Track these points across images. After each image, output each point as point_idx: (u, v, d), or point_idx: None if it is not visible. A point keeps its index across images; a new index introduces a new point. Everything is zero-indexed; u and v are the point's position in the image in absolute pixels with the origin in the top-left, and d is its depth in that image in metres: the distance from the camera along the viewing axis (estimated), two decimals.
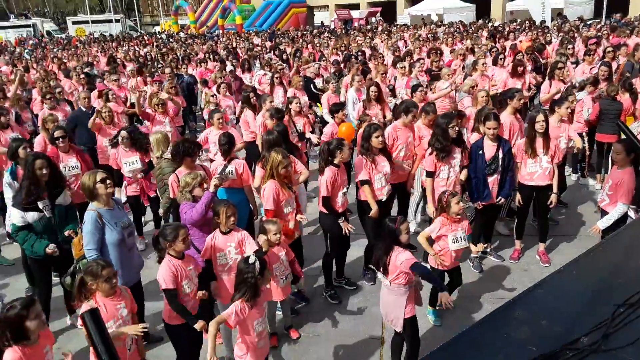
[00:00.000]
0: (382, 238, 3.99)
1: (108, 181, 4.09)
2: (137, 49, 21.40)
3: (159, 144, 5.88)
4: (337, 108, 6.92)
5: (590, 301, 1.97)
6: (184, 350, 3.90)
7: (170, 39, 28.80)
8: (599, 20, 18.08)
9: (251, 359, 3.54)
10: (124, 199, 6.37)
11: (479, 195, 5.38)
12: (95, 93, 9.46)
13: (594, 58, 9.71)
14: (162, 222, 5.01)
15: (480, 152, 5.30)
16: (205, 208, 4.28)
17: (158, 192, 5.88)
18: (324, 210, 5.01)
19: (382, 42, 17.39)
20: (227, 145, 5.40)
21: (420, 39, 16.40)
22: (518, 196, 5.50)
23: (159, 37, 32.47)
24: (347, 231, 4.88)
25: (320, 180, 5.01)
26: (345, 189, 5.01)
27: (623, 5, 23.48)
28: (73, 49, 24.47)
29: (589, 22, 18.96)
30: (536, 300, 2.01)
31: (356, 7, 36.56)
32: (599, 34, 14.64)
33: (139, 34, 39.70)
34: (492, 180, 5.34)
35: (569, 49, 11.09)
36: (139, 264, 4.44)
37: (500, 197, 5.39)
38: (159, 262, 3.82)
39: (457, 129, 5.30)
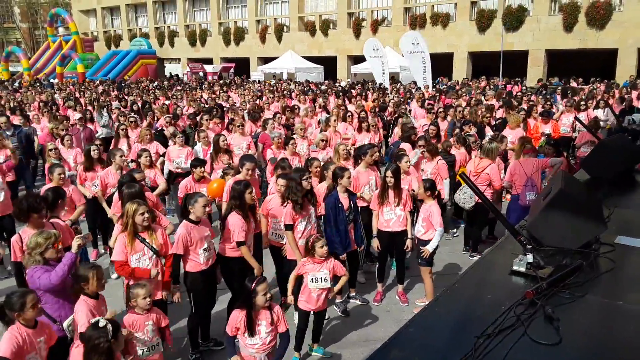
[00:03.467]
0: (239, 298, 4.02)
1: None
2: None
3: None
4: (197, 164, 6.78)
5: (454, 335, 2.18)
6: None
7: None
8: (427, 84, 20.58)
9: None
10: None
11: (344, 246, 5.53)
12: None
13: (432, 116, 11.07)
14: None
15: (340, 204, 5.54)
16: (68, 271, 3.87)
17: None
18: (192, 270, 4.77)
19: (239, 96, 17.77)
20: (53, 201, 5.02)
21: (275, 95, 17.09)
22: (376, 242, 5.88)
23: None
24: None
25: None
26: (206, 245, 4.78)
27: (447, 70, 27.21)
28: None
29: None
30: (408, 339, 2.15)
31: (209, 61, 36.94)
32: (435, 95, 16.73)
33: None
34: (349, 228, 5.66)
35: (408, 110, 12.52)
36: None
37: (360, 244, 5.75)
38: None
39: (310, 181, 5.51)
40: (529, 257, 2.52)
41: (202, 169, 6.77)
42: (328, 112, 12.71)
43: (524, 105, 12.94)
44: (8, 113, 12.07)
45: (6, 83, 28.99)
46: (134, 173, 6.00)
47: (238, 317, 3.87)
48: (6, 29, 59.88)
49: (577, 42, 23.61)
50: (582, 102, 12.41)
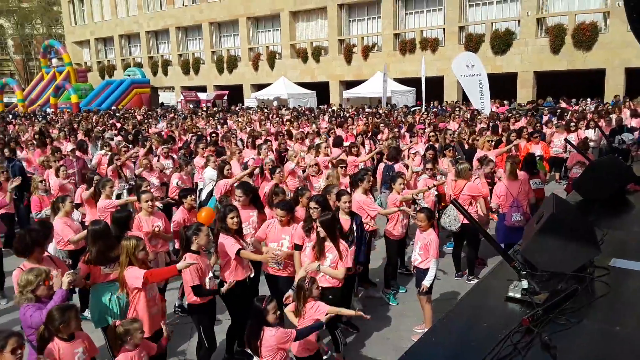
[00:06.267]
0: (250, 318, 3.97)
1: None
2: None
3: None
4: (186, 193, 6.70)
5: None
6: None
7: None
8: (419, 108, 20.80)
9: None
10: None
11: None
12: None
13: (418, 140, 11.18)
14: None
15: (338, 225, 5.55)
16: None
17: None
18: (197, 301, 4.74)
19: (233, 122, 17.88)
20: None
21: (270, 121, 17.21)
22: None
23: None
24: None
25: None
26: (211, 274, 4.84)
27: (438, 94, 27.50)
28: None
29: (412, 109, 21.77)
30: None
31: (203, 89, 37.20)
32: (424, 119, 16.86)
33: None
34: (350, 251, 5.63)
35: (395, 132, 12.68)
36: None
37: (358, 266, 5.71)
38: None
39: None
40: (524, 283, 2.51)
41: (193, 197, 6.75)
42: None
43: (515, 126, 13.11)
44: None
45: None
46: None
47: (277, 335, 3.85)
48: (0, 60, 60.27)
49: (565, 63, 24.01)
50: (572, 123, 12.55)
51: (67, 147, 11.69)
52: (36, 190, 7.65)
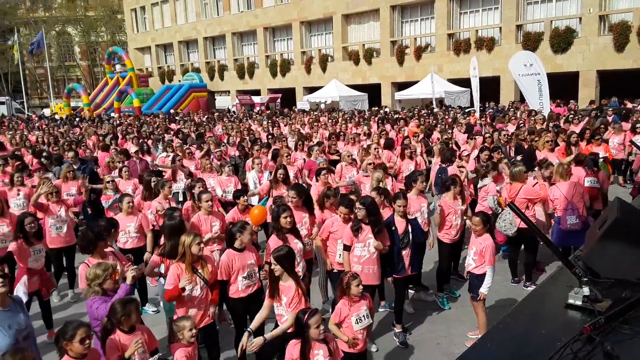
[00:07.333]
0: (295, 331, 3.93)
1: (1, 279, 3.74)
2: (25, 132, 20.05)
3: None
4: (238, 194, 6.94)
5: None
6: None
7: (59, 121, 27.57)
8: (474, 109, 20.31)
9: None
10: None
11: (393, 269, 5.59)
12: None
13: (476, 143, 10.92)
14: None
15: (393, 227, 5.60)
16: None
17: None
18: (235, 295, 4.90)
19: (285, 125, 18.13)
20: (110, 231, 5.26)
21: (319, 124, 17.31)
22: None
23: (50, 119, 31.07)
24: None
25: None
26: (246, 273, 4.87)
27: (495, 95, 26.78)
28: None
29: (467, 110, 21.29)
30: None
31: (257, 92, 37.94)
32: (479, 122, 16.45)
33: (27, 116, 37.89)
34: (405, 253, 5.65)
35: (449, 133, 12.45)
36: None
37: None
38: None
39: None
40: (585, 290, 2.42)
41: (245, 198, 6.91)
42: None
43: (576, 128, 12.59)
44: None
45: (69, 118, 30.71)
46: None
47: (292, 351, 3.72)
48: (67, 66, 63.69)
49: (630, 62, 22.79)
50: (638, 125, 11.90)
51: (132, 149, 12.22)
52: (106, 191, 8.13)
